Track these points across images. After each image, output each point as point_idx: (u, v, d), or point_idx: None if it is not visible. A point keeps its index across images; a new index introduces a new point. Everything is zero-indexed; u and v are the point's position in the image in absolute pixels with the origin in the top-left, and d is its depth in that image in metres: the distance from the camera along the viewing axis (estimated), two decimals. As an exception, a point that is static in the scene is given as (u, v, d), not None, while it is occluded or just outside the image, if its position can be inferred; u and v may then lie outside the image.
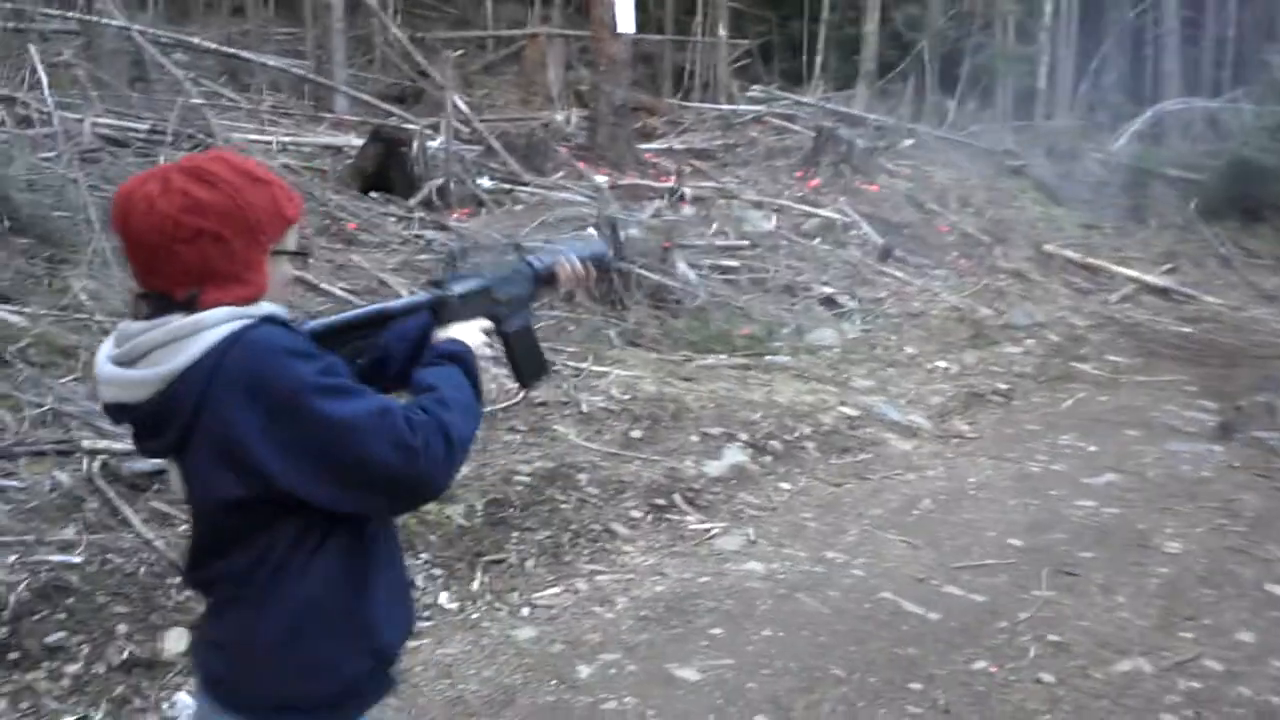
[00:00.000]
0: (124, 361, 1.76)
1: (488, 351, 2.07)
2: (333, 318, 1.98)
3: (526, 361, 2.24)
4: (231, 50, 12.47)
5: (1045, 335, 9.71)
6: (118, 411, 1.80)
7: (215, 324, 1.71)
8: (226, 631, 1.88)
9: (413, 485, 1.79)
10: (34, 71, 9.14)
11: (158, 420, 1.75)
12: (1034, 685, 4.03)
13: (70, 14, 11.04)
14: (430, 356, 1.99)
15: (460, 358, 1.98)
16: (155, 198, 1.71)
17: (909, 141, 14.67)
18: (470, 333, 2.05)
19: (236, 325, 1.72)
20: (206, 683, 1.92)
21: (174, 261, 1.72)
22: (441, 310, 2.07)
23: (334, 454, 1.71)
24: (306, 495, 1.74)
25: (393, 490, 1.78)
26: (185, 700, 3.60)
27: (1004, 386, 8.20)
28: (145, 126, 9.34)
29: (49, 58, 9.68)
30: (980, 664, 4.17)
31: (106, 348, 1.80)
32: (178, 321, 1.72)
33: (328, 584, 1.85)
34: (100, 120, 9.13)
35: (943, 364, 8.51)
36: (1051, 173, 15.62)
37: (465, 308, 2.07)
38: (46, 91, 8.60)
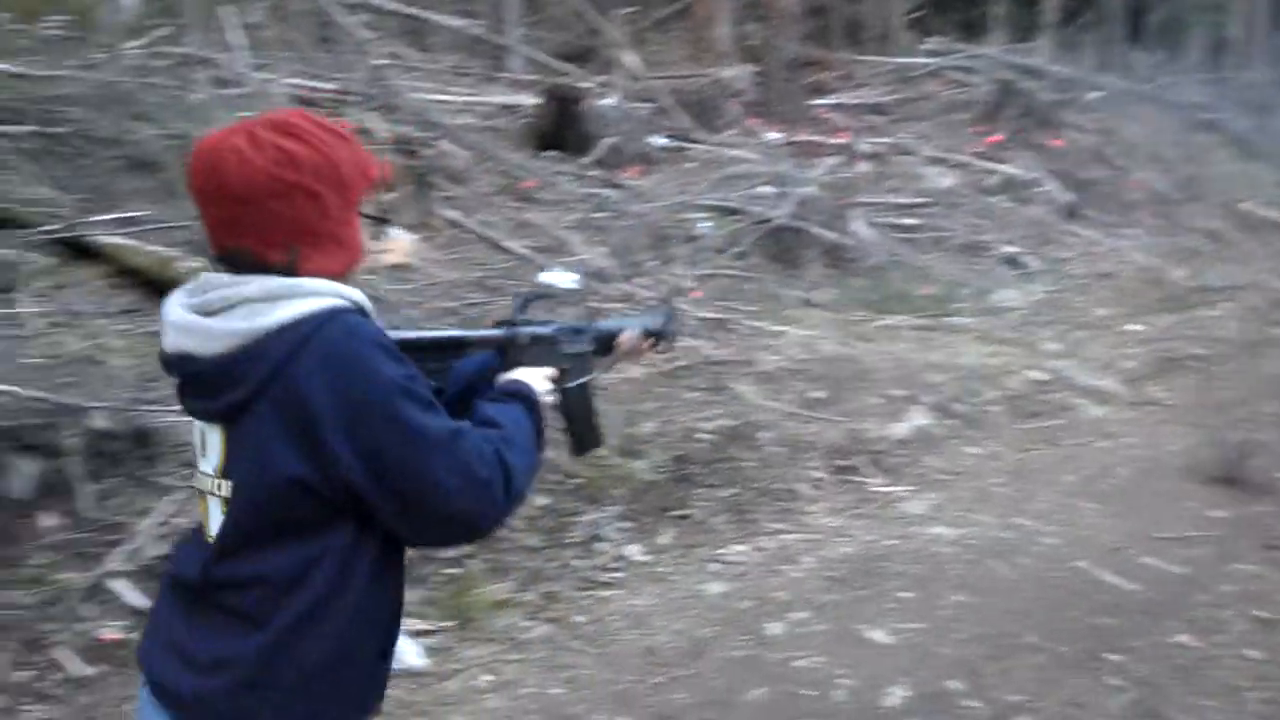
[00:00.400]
0: (205, 311, 1.65)
1: (550, 399, 1.98)
2: (413, 333, 1.93)
3: (582, 425, 2.14)
4: (412, 10, 12.72)
5: (1243, 298, 9.24)
6: (180, 362, 1.67)
7: (314, 293, 1.63)
8: (241, 648, 1.66)
9: (462, 516, 1.68)
10: (228, 33, 9.51)
11: (225, 378, 1.62)
12: (1239, 661, 3.89)
13: (262, -23, 11.40)
14: (495, 392, 1.90)
15: (526, 397, 1.88)
16: (245, 151, 1.62)
17: (1095, 95, 14.08)
18: (536, 378, 1.95)
19: (336, 302, 1.64)
20: (185, 704, 1.69)
21: (265, 217, 1.63)
22: (509, 350, 2.01)
23: (400, 460, 1.61)
24: (363, 492, 1.62)
25: (439, 516, 1.67)
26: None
27: (1201, 351, 7.84)
28: (332, 87, 9.61)
29: (240, 19, 10.04)
30: (1181, 637, 4.04)
31: (177, 297, 1.70)
32: (276, 281, 1.63)
33: (375, 601, 1.73)
34: (290, 80, 9.43)
35: (1135, 327, 8.19)
36: (1247, 127, 14.82)
37: (531, 353, 2.01)
38: (242, 53, 8.92)
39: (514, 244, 7.49)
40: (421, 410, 1.63)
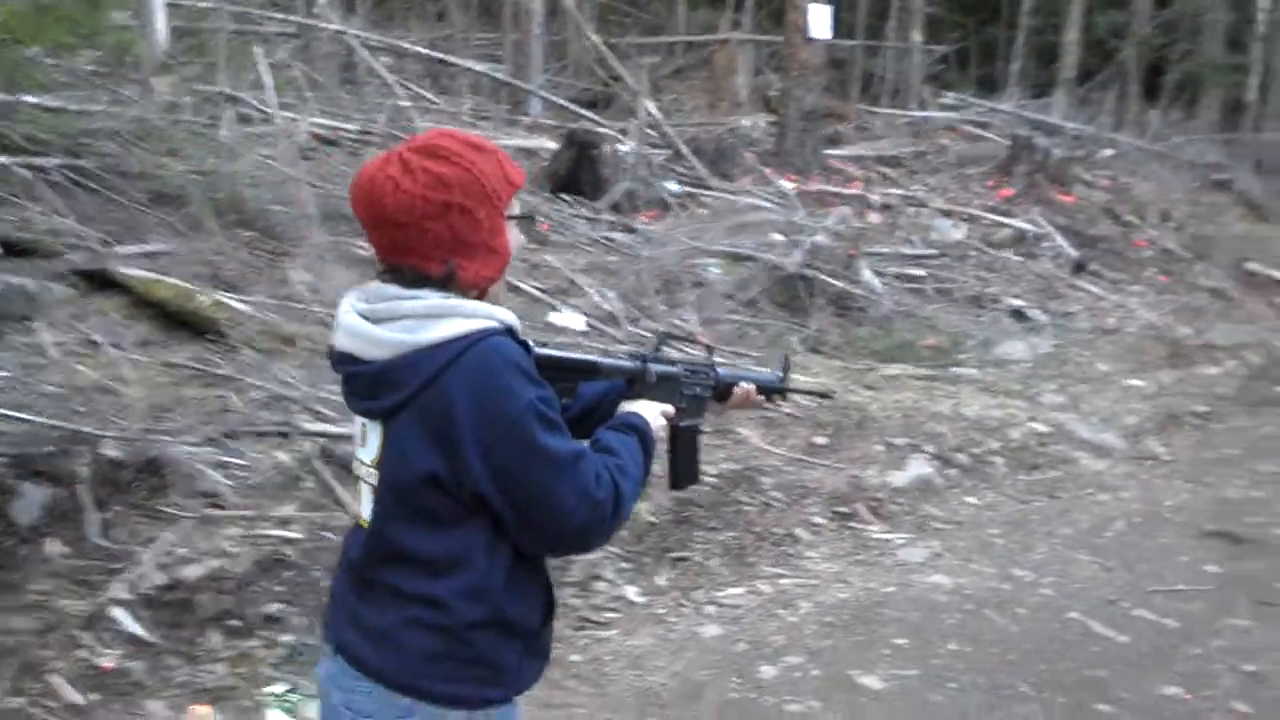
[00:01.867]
0: (373, 318, 1.83)
1: (662, 435, 2.13)
2: (555, 353, 2.05)
3: (685, 463, 2.30)
4: (438, 54, 12.92)
5: (1246, 357, 9.30)
6: (345, 361, 1.86)
7: (471, 314, 1.80)
8: (397, 620, 1.87)
9: (575, 533, 1.85)
10: (256, 72, 9.69)
11: (382, 382, 1.80)
12: (1226, 714, 3.94)
13: (290, 17, 11.63)
14: (616, 422, 2.06)
15: (643, 432, 2.04)
16: (399, 179, 1.78)
17: (1108, 152, 14.19)
18: (652, 413, 2.11)
19: (488, 324, 1.80)
20: (370, 670, 1.89)
21: (425, 237, 1.79)
22: (637, 383, 2.15)
23: (526, 477, 1.78)
24: (489, 501, 1.79)
25: (554, 528, 1.84)
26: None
27: (1202, 408, 7.91)
28: (354, 127, 9.79)
29: (268, 58, 10.24)
30: (1171, 689, 4.09)
31: (351, 300, 1.88)
32: (438, 299, 1.80)
33: (519, 593, 1.90)
34: (314, 120, 9.61)
35: (1138, 383, 8.26)
36: (1259, 188, 14.90)
37: (655, 389, 2.15)
38: (269, 92, 9.10)
39: (526, 285, 7.60)
40: (550, 432, 1.80)
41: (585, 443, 1.93)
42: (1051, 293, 9.80)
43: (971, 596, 4.83)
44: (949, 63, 19.17)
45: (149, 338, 5.49)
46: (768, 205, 10.43)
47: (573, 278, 8.03)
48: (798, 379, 2.70)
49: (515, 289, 7.51)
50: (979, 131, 14.50)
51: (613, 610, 4.47)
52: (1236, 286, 11.46)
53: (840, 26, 15.81)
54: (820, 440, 6.12)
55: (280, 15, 12.13)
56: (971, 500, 5.92)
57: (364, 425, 1.90)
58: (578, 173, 10.22)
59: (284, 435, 4.85)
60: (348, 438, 4.79)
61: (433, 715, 1.87)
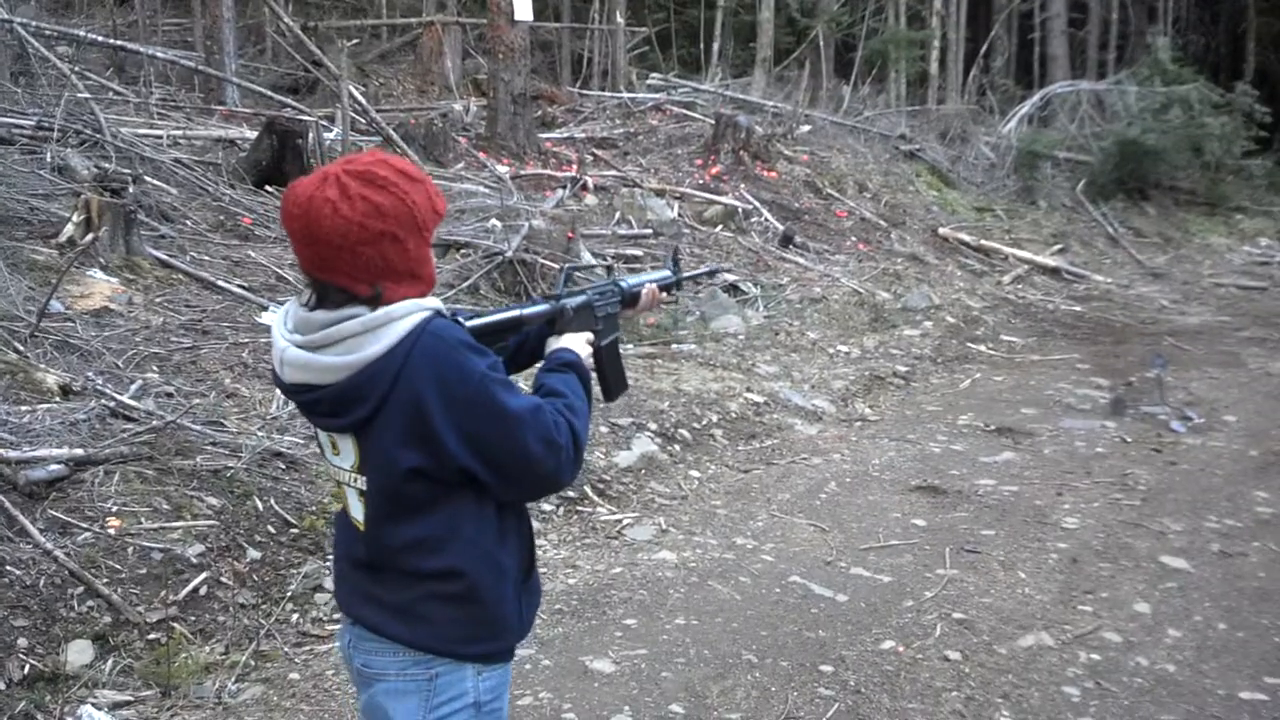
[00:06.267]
0: (311, 347, 1.94)
1: (590, 362, 2.31)
2: (484, 319, 2.21)
3: (613, 375, 2.49)
4: (118, 42, 12.09)
5: (942, 317, 9.90)
6: (300, 391, 1.99)
7: (404, 315, 1.91)
8: (413, 596, 2.04)
9: (548, 477, 2.02)
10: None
11: (344, 401, 1.93)
12: (941, 663, 4.12)
13: (-55, 6, 10.61)
14: (553, 363, 2.23)
15: (578, 367, 2.22)
16: (337, 203, 1.87)
17: (806, 128, 14.82)
18: (579, 344, 2.30)
19: (421, 316, 1.92)
20: (384, 635, 2.08)
21: (357, 261, 1.90)
22: (557, 320, 2.33)
23: (498, 439, 1.93)
24: (469, 468, 1.94)
25: (531, 478, 2.01)
26: (90, 712, 3.52)
27: (903, 369, 8.36)
28: (30, 122, 9.04)
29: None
30: (888, 644, 4.25)
31: (284, 334, 1.99)
32: (369, 314, 1.91)
33: (508, 547, 2.08)
34: (-20, 116, 8.81)
35: (844, 348, 8.64)
36: (944, 157, 15.91)
37: (574, 320, 2.34)
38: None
39: (229, 283, 7.21)
40: (507, 393, 1.95)
41: (536, 396, 2.08)
42: (762, 266, 10.13)
43: (696, 569, 4.89)
44: (653, 44, 19.52)
45: None
46: (484, 190, 10.32)
47: (280, 273, 7.68)
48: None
49: (216, 288, 7.11)
50: (685, 111, 14.84)
51: (334, 622, 4.27)
52: (930, 251, 12.20)
53: (547, 9, 15.83)
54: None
55: (-66, 3, 11.06)
56: (695, 474, 6.02)
57: (330, 436, 2.04)
58: (281, 163, 9.78)
59: (-47, 464, 4.38)
60: (28, 462, 4.40)
61: (450, 668, 2.06)
